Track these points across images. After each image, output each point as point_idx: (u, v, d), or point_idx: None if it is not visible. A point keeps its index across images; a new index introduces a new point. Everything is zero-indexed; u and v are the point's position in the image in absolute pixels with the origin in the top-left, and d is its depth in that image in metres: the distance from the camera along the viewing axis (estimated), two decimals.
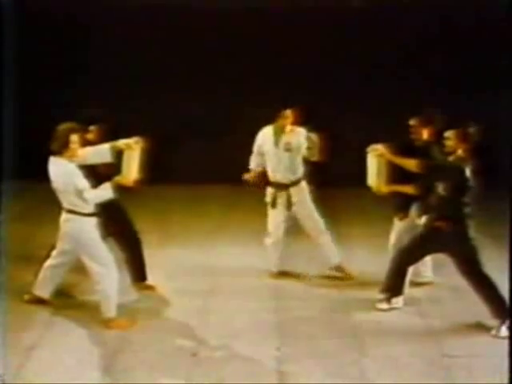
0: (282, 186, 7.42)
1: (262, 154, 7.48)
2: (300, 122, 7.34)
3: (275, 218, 7.50)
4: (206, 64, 10.61)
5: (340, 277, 7.53)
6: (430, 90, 10.08)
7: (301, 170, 7.48)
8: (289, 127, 7.31)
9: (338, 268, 7.59)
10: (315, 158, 7.38)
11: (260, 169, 7.53)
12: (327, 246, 7.58)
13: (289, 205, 7.44)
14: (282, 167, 7.39)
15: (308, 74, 10.59)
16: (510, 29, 9.31)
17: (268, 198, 7.52)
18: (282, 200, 7.44)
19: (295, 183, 7.44)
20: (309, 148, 7.35)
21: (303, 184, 7.50)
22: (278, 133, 7.35)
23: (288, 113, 7.27)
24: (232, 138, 10.40)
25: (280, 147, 7.34)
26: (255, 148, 7.53)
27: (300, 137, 7.35)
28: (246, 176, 7.54)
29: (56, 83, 10.43)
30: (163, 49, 10.51)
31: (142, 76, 10.50)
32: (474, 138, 6.38)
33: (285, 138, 7.33)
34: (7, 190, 8.91)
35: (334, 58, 10.53)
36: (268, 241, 7.57)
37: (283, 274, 7.61)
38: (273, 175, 7.46)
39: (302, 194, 7.48)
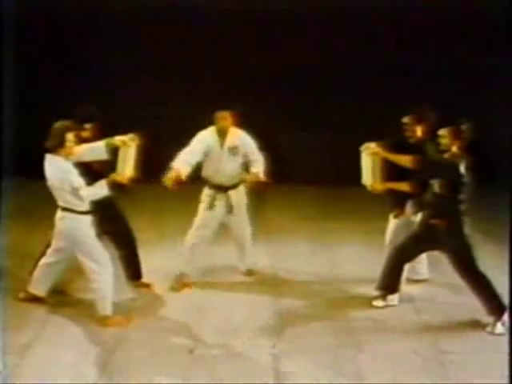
0: (221, 189, 7.23)
1: (201, 155, 7.08)
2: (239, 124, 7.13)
3: (208, 220, 7.25)
4: (202, 64, 10.60)
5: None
6: (426, 89, 10.08)
7: (240, 173, 7.27)
8: (232, 130, 7.11)
9: (249, 272, 7.56)
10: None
11: (183, 169, 6.88)
12: (247, 256, 7.52)
13: (229, 208, 7.25)
14: (224, 170, 7.17)
15: (290, 73, 10.59)
16: (509, 27, 9.34)
17: (204, 198, 7.27)
18: (219, 202, 7.23)
19: (234, 187, 7.28)
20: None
21: (242, 188, 7.33)
22: (222, 135, 7.12)
23: (226, 114, 7.05)
24: None
25: (224, 150, 7.11)
26: (195, 147, 7.08)
27: (244, 140, 7.17)
28: (170, 176, 6.84)
29: (55, 82, 10.42)
30: (162, 48, 10.50)
31: (141, 75, 10.48)
32: (468, 135, 6.40)
33: (230, 141, 7.12)
34: (6, 188, 8.90)
35: (320, 56, 10.52)
36: (189, 241, 7.30)
37: (187, 285, 7.28)
38: (213, 177, 7.22)
39: (240, 198, 7.33)
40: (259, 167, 7.14)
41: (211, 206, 7.23)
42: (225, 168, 7.19)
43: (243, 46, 10.39)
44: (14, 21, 10.05)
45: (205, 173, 7.27)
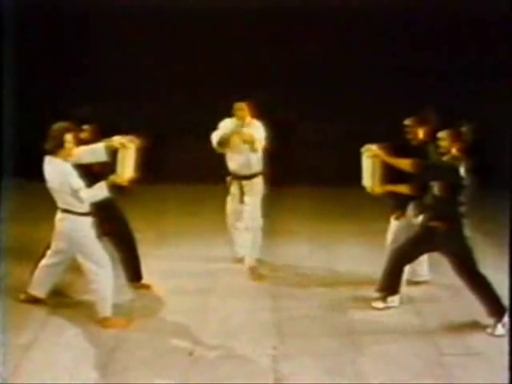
0: (235, 177, 7.45)
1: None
2: (256, 115, 7.33)
3: (228, 206, 7.63)
4: (203, 64, 10.60)
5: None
6: (427, 90, 10.09)
7: (258, 164, 7.41)
8: (248, 119, 7.29)
9: (253, 269, 7.56)
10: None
11: None
12: (251, 251, 7.55)
13: (241, 197, 7.45)
14: (238, 159, 7.36)
15: (300, 73, 10.59)
16: (509, 28, 9.33)
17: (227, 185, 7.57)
18: (235, 190, 7.49)
19: (248, 177, 7.40)
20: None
21: (258, 179, 7.45)
22: (239, 125, 7.29)
23: (243, 105, 7.24)
24: None
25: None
26: (222, 132, 7.32)
27: (259, 130, 7.28)
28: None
29: (55, 81, 10.42)
30: (162, 49, 10.50)
31: (141, 76, 10.49)
32: (468, 137, 6.40)
33: (244, 131, 7.26)
34: (6, 189, 8.89)
35: (323, 58, 10.52)
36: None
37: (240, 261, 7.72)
38: (229, 164, 7.45)
39: (254, 189, 7.43)
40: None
41: (228, 191, 7.50)
42: (238, 157, 7.32)
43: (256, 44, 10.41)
44: (14, 20, 10.05)
45: (226, 159, 7.46)
